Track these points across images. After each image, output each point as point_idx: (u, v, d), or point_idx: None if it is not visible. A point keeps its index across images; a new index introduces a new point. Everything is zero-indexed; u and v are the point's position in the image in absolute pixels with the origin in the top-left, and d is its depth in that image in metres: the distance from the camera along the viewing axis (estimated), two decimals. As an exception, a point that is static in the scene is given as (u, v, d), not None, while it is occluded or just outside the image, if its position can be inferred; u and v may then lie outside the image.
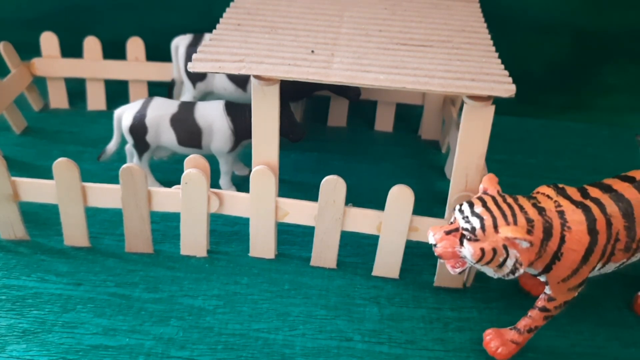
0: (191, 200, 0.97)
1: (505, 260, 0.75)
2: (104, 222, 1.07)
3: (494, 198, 0.78)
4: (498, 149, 1.29)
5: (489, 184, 0.80)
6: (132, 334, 0.88)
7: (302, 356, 0.86)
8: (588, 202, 0.80)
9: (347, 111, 1.39)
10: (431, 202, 1.13)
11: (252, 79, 0.88)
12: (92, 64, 1.37)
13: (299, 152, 1.25)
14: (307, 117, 1.40)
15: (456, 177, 0.91)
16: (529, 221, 0.76)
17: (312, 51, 0.91)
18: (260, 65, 0.86)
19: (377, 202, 0.96)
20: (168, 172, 1.18)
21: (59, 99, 1.41)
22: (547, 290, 0.83)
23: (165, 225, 1.07)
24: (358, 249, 1.04)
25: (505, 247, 0.75)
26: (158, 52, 1.35)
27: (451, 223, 0.79)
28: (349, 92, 1.15)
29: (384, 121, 1.38)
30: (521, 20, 1.39)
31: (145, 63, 1.36)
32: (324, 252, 1.00)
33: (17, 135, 1.31)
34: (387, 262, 0.99)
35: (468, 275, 0.99)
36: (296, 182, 1.19)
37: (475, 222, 0.76)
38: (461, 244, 0.77)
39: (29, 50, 1.36)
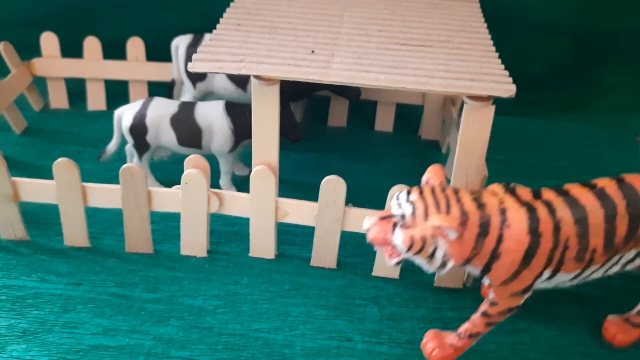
0: (191, 201, 0.97)
1: (434, 251, 0.73)
2: (104, 222, 1.07)
3: (433, 188, 0.76)
4: (498, 149, 1.29)
5: (433, 174, 0.78)
6: (132, 334, 0.88)
7: (302, 356, 0.86)
8: (536, 203, 0.76)
9: (347, 111, 1.39)
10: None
11: (252, 79, 0.88)
12: (92, 64, 1.37)
13: (299, 152, 1.25)
14: (307, 117, 1.40)
15: (456, 177, 0.91)
16: (464, 214, 0.73)
17: (312, 51, 0.91)
18: (260, 65, 0.86)
19: (377, 202, 0.96)
20: (168, 172, 1.18)
21: (59, 99, 1.41)
22: (491, 294, 0.80)
23: (165, 225, 1.07)
24: (358, 249, 1.04)
25: (434, 237, 0.72)
26: (158, 52, 1.35)
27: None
28: (349, 92, 1.15)
29: (384, 121, 1.38)
30: (521, 21, 1.39)
31: (146, 63, 1.36)
32: (324, 252, 1.00)
33: (17, 136, 1.31)
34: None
35: (468, 275, 0.99)
36: (296, 182, 1.19)
37: (407, 209, 0.74)
38: (394, 231, 0.75)
39: (29, 50, 1.36)
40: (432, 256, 0.74)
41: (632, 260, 0.81)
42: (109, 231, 1.06)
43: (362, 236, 0.97)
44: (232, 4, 1.06)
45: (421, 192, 0.75)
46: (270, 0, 1.07)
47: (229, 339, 0.88)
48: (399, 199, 0.76)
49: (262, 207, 0.97)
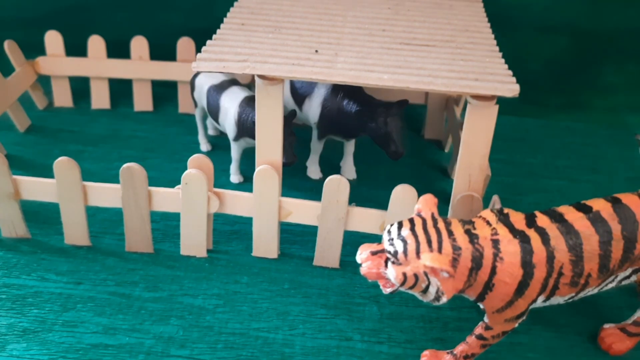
0: (191, 201, 0.97)
1: (427, 287, 0.72)
2: (104, 221, 1.07)
3: (424, 221, 0.74)
4: (498, 148, 1.29)
5: (424, 205, 0.76)
6: (132, 332, 0.88)
7: (301, 355, 0.86)
8: (530, 232, 0.74)
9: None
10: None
11: (256, 78, 0.88)
12: (96, 63, 1.37)
13: (302, 151, 1.25)
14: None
15: (459, 177, 0.91)
16: (456, 249, 0.72)
17: (316, 51, 0.91)
18: (264, 65, 0.86)
19: (380, 202, 0.96)
20: (168, 172, 1.18)
21: (63, 97, 1.41)
22: (485, 318, 0.79)
23: (166, 225, 1.07)
24: (358, 248, 1.04)
25: (426, 274, 0.71)
26: (162, 51, 1.35)
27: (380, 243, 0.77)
28: (390, 148, 1.06)
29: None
30: (521, 20, 1.39)
31: (149, 62, 1.36)
32: (327, 252, 1.00)
33: (21, 134, 1.31)
34: (388, 262, 0.99)
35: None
36: (298, 182, 1.19)
37: (399, 246, 0.72)
38: (386, 265, 0.74)
39: (34, 49, 1.35)
40: (425, 291, 0.73)
41: (628, 277, 0.81)
42: (109, 230, 1.06)
43: (362, 235, 0.97)
44: (236, 4, 1.06)
45: (412, 227, 0.73)
46: (273, 0, 1.07)
47: (228, 338, 0.88)
48: (390, 234, 0.74)
49: (265, 207, 0.97)
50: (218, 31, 0.97)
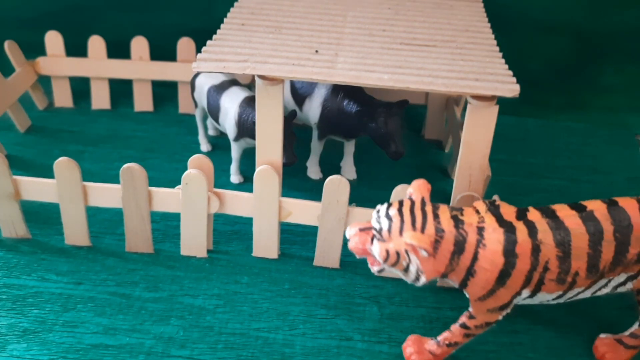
0: (191, 201, 0.97)
1: (408, 265, 0.74)
2: (104, 221, 1.07)
3: (413, 203, 0.76)
4: (498, 148, 1.28)
5: (416, 189, 0.78)
6: (133, 333, 0.88)
7: (302, 355, 0.86)
8: (518, 224, 0.75)
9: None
10: (434, 202, 1.13)
11: (256, 78, 0.88)
12: (97, 63, 1.37)
13: (301, 152, 1.25)
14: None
15: (460, 177, 0.91)
16: (439, 231, 0.74)
17: (316, 51, 0.91)
18: (264, 65, 0.86)
19: (380, 202, 0.95)
20: (169, 172, 1.18)
21: (63, 97, 1.41)
22: (470, 307, 0.81)
23: (166, 225, 1.07)
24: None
25: (407, 253, 0.73)
26: (162, 51, 1.35)
27: None
28: (390, 148, 1.06)
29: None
30: (521, 20, 1.39)
31: (150, 62, 1.36)
32: (327, 252, 1.00)
33: (21, 134, 1.31)
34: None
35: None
36: (298, 182, 1.19)
37: (384, 223, 0.75)
38: (372, 242, 0.76)
39: (34, 49, 1.35)
40: (406, 270, 0.75)
41: (624, 283, 0.80)
42: (110, 230, 1.06)
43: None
44: (236, 4, 1.06)
45: (400, 207, 0.75)
46: (274, 0, 1.07)
47: (229, 338, 0.88)
48: (378, 212, 0.77)
49: (266, 207, 0.97)
50: (218, 31, 0.97)
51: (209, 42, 0.94)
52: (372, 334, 0.90)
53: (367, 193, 1.15)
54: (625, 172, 1.30)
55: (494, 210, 0.77)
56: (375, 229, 0.76)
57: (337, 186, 0.92)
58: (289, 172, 1.16)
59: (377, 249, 0.75)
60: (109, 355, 0.85)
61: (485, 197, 0.94)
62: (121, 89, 1.41)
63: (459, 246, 0.74)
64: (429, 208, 0.76)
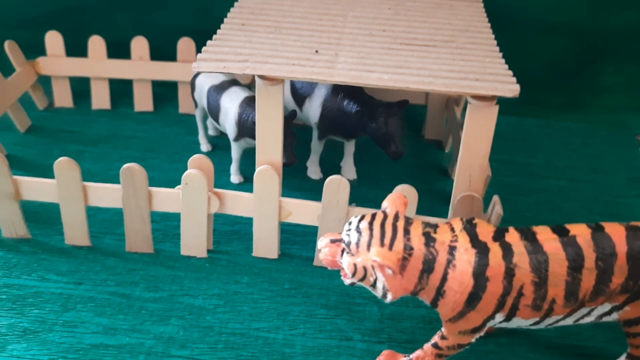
0: (191, 201, 0.97)
1: (375, 281, 0.73)
2: (104, 221, 1.07)
3: (385, 217, 0.74)
4: (498, 148, 1.28)
5: (390, 203, 0.76)
6: (133, 333, 0.88)
7: (302, 355, 0.86)
8: (493, 245, 0.72)
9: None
10: (434, 202, 1.14)
11: (256, 79, 0.88)
12: (97, 63, 1.37)
13: (302, 152, 1.25)
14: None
15: (460, 177, 0.91)
16: (407, 248, 0.72)
17: (317, 51, 0.91)
18: (264, 65, 0.86)
19: (380, 202, 0.95)
20: (169, 172, 1.18)
21: (63, 97, 1.41)
22: (443, 327, 0.78)
23: (166, 225, 1.07)
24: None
25: (374, 269, 0.72)
26: (162, 51, 1.35)
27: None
28: (390, 148, 1.05)
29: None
30: (521, 20, 1.39)
31: (150, 62, 1.36)
32: (326, 252, 1.00)
33: (21, 134, 1.31)
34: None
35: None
36: (298, 182, 1.19)
37: (353, 237, 0.73)
38: (342, 255, 0.75)
39: (34, 49, 1.35)
40: (374, 285, 0.74)
41: (609, 313, 0.76)
42: (110, 230, 1.06)
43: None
44: (236, 4, 1.06)
45: (371, 221, 0.74)
46: (274, 0, 1.07)
47: (229, 338, 0.88)
48: (350, 225, 0.75)
49: (266, 207, 0.97)
50: (218, 31, 0.97)
51: (209, 42, 0.94)
52: (372, 334, 0.90)
53: (367, 193, 1.15)
54: (625, 172, 1.30)
55: (470, 229, 0.74)
56: (344, 242, 0.74)
57: (337, 186, 0.92)
58: (289, 172, 1.16)
59: (345, 263, 0.74)
60: (109, 355, 0.85)
61: (485, 197, 0.94)
62: (121, 89, 1.41)
63: (428, 265, 0.72)
64: (400, 223, 0.74)
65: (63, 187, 0.96)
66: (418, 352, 0.82)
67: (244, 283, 0.97)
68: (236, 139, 1.12)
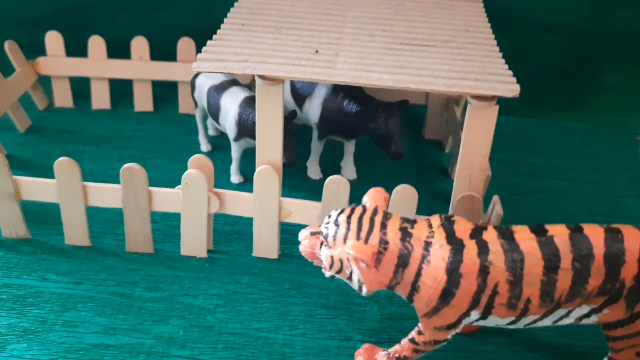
0: (191, 201, 0.97)
1: (351, 274, 0.74)
2: (104, 221, 1.07)
3: (364, 211, 0.75)
4: (498, 148, 1.29)
5: (370, 197, 0.77)
6: (133, 332, 0.88)
7: (302, 355, 0.86)
8: (469, 242, 0.72)
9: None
10: (434, 202, 1.14)
11: (256, 79, 0.88)
12: (97, 63, 1.37)
13: (301, 151, 1.25)
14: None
15: (459, 177, 0.91)
16: (383, 242, 0.72)
17: (316, 51, 0.91)
18: (264, 65, 0.86)
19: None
20: (169, 172, 1.18)
21: (63, 97, 1.41)
22: (419, 322, 0.79)
23: (166, 225, 1.07)
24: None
25: (349, 262, 0.73)
26: (162, 51, 1.35)
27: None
28: (390, 148, 1.05)
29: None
30: (521, 20, 1.39)
31: (150, 62, 1.36)
32: (326, 252, 1.00)
33: (21, 134, 1.31)
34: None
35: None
36: (298, 182, 1.19)
37: (331, 230, 0.74)
38: (321, 247, 0.76)
39: (34, 49, 1.35)
40: (350, 278, 0.74)
41: (587, 316, 0.75)
42: (110, 230, 1.06)
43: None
44: (236, 4, 1.06)
45: (350, 214, 0.75)
46: (274, 0, 1.07)
47: (229, 338, 0.88)
48: (330, 217, 0.76)
49: (266, 207, 0.97)
50: (218, 31, 0.97)
51: (209, 42, 0.94)
52: (372, 334, 0.90)
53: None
54: (625, 172, 1.30)
55: (447, 226, 0.74)
56: (322, 235, 0.76)
57: (337, 186, 0.92)
58: (289, 172, 1.16)
59: (323, 255, 0.75)
60: (109, 355, 0.85)
61: (485, 197, 0.94)
62: (121, 89, 1.41)
63: (403, 260, 0.73)
64: (378, 217, 0.74)
65: (63, 187, 0.96)
66: (396, 347, 0.82)
67: (244, 283, 0.97)
68: (236, 139, 1.12)
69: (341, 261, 0.73)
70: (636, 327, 0.75)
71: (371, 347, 0.85)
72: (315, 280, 0.99)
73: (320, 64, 0.87)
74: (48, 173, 0.98)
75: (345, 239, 0.73)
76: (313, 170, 1.21)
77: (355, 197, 0.97)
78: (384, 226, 0.73)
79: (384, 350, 0.83)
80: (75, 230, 1.01)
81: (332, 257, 0.74)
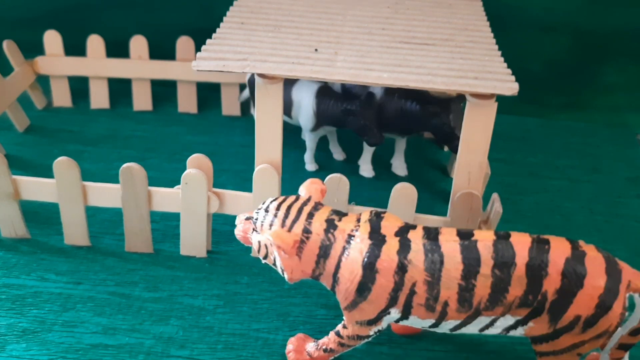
0: (191, 201, 0.96)
1: (275, 260, 0.76)
2: (104, 221, 1.07)
3: (295, 200, 0.77)
4: (498, 148, 1.29)
5: (305, 188, 0.79)
6: (132, 333, 0.88)
7: (303, 356, 0.86)
8: (391, 239, 0.72)
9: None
10: (434, 201, 1.14)
11: (255, 77, 0.88)
12: (96, 63, 1.36)
13: (301, 150, 1.25)
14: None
15: (458, 175, 0.91)
16: (306, 232, 0.74)
17: (316, 50, 0.91)
18: (264, 63, 0.86)
19: (380, 201, 0.96)
20: (168, 172, 1.17)
21: (62, 97, 1.41)
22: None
23: (165, 225, 1.07)
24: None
25: (272, 248, 0.75)
26: (161, 50, 1.35)
27: None
28: (453, 142, 1.05)
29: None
30: (521, 20, 1.39)
31: (149, 61, 1.36)
32: (326, 252, 1.00)
33: (20, 134, 1.31)
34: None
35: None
36: (298, 181, 1.18)
37: (261, 216, 0.77)
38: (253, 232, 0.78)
39: (33, 48, 1.35)
40: (275, 264, 0.76)
41: (514, 327, 0.74)
42: (109, 230, 1.06)
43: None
44: (235, 3, 1.06)
45: (281, 202, 0.77)
46: (273, -2, 1.07)
47: (228, 339, 0.88)
48: (264, 203, 0.78)
49: (264, 207, 0.97)
50: (218, 30, 0.97)
51: (208, 41, 0.94)
52: (372, 333, 0.90)
53: (367, 193, 1.15)
54: (625, 172, 1.29)
55: (375, 221, 0.75)
56: (252, 220, 0.78)
57: (337, 185, 0.92)
58: (289, 171, 1.16)
59: (253, 240, 0.78)
60: (109, 355, 0.84)
61: (484, 196, 0.94)
62: (120, 88, 1.40)
63: (325, 250, 0.74)
64: (307, 208, 0.76)
65: (62, 187, 0.96)
66: (324, 339, 0.83)
67: (243, 283, 0.97)
68: (314, 129, 1.14)
69: (266, 247, 0.75)
70: (561, 343, 0.73)
71: (303, 337, 0.86)
72: (315, 281, 0.98)
73: (320, 62, 0.87)
74: (47, 173, 0.98)
75: (271, 225, 0.75)
76: (365, 169, 1.22)
77: (356, 197, 0.97)
78: (310, 216, 0.75)
79: (314, 341, 0.84)
80: (75, 230, 1.01)
81: (259, 242, 0.76)
